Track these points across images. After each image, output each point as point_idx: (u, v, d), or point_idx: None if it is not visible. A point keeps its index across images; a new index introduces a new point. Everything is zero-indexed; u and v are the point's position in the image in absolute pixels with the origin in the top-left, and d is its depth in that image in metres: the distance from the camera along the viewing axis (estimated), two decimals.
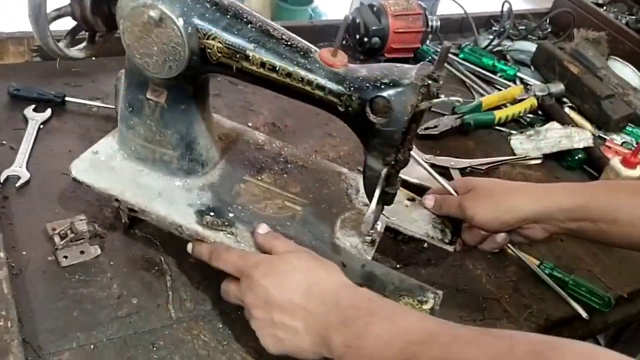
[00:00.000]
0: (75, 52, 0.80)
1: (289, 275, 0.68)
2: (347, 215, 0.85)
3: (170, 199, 0.80)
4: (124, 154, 0.84)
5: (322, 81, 0.70)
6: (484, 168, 1.08)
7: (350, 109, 0.70)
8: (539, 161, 1.15)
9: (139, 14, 0.69)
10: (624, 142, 1.25)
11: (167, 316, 0.77)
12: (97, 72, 1.12)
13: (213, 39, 0.70)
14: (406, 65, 0.70)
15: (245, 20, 0.71)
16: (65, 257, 0.80)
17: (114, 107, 1.02)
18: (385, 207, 0.80)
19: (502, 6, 1.51)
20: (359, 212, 0.86)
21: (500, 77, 1.37)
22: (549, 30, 1.58)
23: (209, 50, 0.71)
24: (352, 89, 0.69)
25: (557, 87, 1.29)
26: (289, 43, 0.71)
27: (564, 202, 0.77)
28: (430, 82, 0.66)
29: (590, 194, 0.77)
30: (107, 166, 0.82)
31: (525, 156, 1.14)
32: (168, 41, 0.70)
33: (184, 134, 0.81)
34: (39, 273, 0.78)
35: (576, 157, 1.16)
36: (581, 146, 1.15)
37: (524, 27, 1.54)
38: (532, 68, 1.42)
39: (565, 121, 1.21)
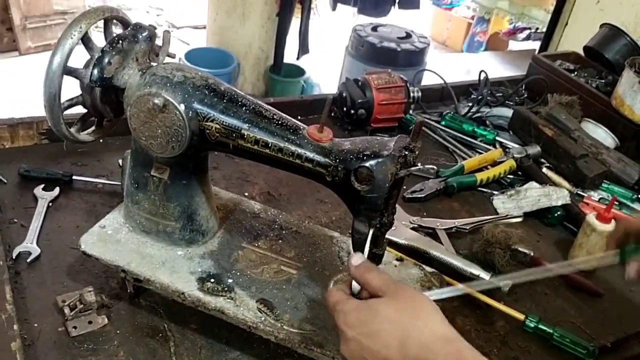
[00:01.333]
0: (85, 136, 0.87)
1: (379, 329, 0.63)
2: (340, 276, 0.90)
3: (173, 267, 0.86)
4: (130, 227, 0.90)
5: (310, 155, 0.77)
6: (468, 228, 1.14)
7: (337, 178, 0.77)
8: (520, 219, 1.22)
9: (145, 101, 0.77)
10: (600, 198, 1.32)
11: None
12: (102, 152, 1.19)
13: (212, 121, 0.78)
14: (385, 138, 0.78)
15: (240, 103, 0.79)
16: (75, 327, 0.84)
17: (118, 183, 1.09)
18: None
19: (479, 75, 1.62)
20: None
21: (480, 141, 1.45)
22: (525, 95, 1.69)
23: (207, 131, 0.79)
24: (337, 160, 0.76)
25: (534, 149, 1.38)
26: (279, 122, 0.79)
27: None
28: (407, 152, 0.73)
29: None
30: (114, 239, 0.88)
31: (507, 215, 1.20)
32: (171, 124, 0.78)
33: (186, 206, 0.87)
34: (50, 343, 0.82)
35: (555, 214, 1.22)
36: (559, 204, 1.22)
37: (501, 94, 1.64)
38: (510, 132, 1.50)
39: (543, 180, 1.29)
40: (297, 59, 3.53)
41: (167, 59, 0.87)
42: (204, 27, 4.26)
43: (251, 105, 0.79)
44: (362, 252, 0.78)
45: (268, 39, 3.38)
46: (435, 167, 0.74)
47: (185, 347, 0.86)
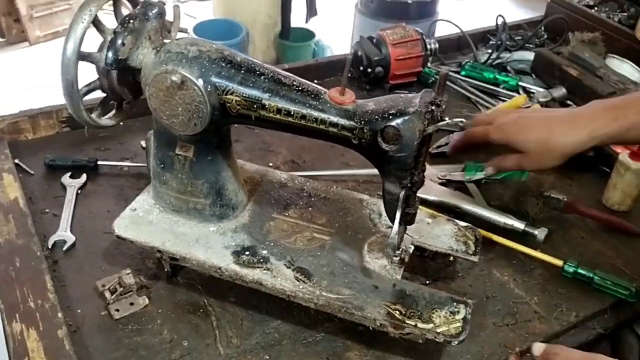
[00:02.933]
0: (106, 120, 0.87)
1: None
2: (373, 239, 0.90)
3: (207, 244, 0.86)
4: (160, 207, 0.90)
5: (335, 119, 0.76)
6: (499, 177, 1.12)
7: (363, 140, 0.76)
8: None
9: (162, 79, 0.76)
10: None
11: (217, 354, 0.82)
12: (123, 135, 1.19)
13: (231, 93, 0.77)
14: (410, 95, 0.76)
15: (258, 72, 0.77)
16: (117, 310, 0.85)
17: (144, 165, 1.09)
18: (408, 226, 0.85)
19: (497, 20, 1.57)
20: (383, 235, 0.90)
21: (503, 88, 1.42)
22: (545, 37, 1.63)
23: (228, 104, 0.77)
24: (362, 122, 0.75)
25: (559, 92, 1.34)
26: (300, 88, 0.77)
27: (612, 128, 0.90)
28: (433, 107, 0.72)
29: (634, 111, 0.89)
30: (146, 221, 0.89)
31: None
32: (191, 101, 0.77)
33: (213, 182, 0.87)
34: (95, 328, 0.84)
35: (586, 156, 1.20)
36: None
37: (520, 37, 1.60)
38: (533, 76, 1.47)
39: None
40: (306, 22, 3.47)
41: (180, 34, 0.86)
42: None
43: (270, 74, 0.78)
44: (395, 213, 0.78)
45: (274, 5, 3.33)
46: (463, 120, 0.73)
47: (227, 320, 0.87)
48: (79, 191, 1.06)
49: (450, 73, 1.47)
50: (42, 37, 3.77)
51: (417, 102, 0.73)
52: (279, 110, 0.77)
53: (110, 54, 0.77)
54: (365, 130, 0.75)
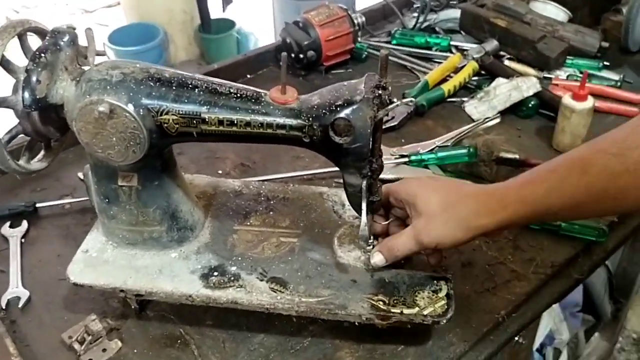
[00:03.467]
0: (38, 164, 0.80)
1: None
2: (341, 231, 0.87)
3: (171, 272, 0.82)
4: (113, 243, 0.85)
5: (281, 120, 0.72)
6: (450, 144, 1.12)
7: (315, 137, 0.72)
8: (498, 120, 1.19)
9: (89, 111, 0.71)
10: (568, 75, 1.30)
11: None
12: (57, 170, 1.12)
13: (167, 113, 0.72)
14: (353, 81, 0.73)
15: (191, 86, 0.73)
16: (91, 359, 0.80)
17: (86, 198, 1.02)
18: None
19: None
20: (351, 225, 0.88)
21: (436, 50, 1.41)
22: None
23: (165, 124, 0.73)
24: (310, 119, 0.72)
25: (492, 45, 1.34)
26: (238, 94, 0.73)
27: (521, 212, 0.71)
28: (380, 92, 0.69)
29: (544, 191, 0.69)
30: (101, 261, 0.83)
31: (485, 119, 1.18)
32: (124, 129, 0.72)
33: (165, 207, 0.82)
34: None
35: (530, 105, 1.20)
36: (531, 93, 1.20)
37: None
38: (463, 33, 1.46)
39: (508, 74, 1.26)
40: (223, 11, 3.39)
41: (98, 59, 0.80)
42: (118, 4, 4.05)
43: (204, 85, 0.73)
44: (360, 204, 0.75)
45: (188, 0, 3.22)
46: (413, 100, 0.70)
47: (208, 345, 0.83)
48: (22, 240, 0.99)
49: (381, 44, 1.45)
50: None
51: (362, 88, 0.70)
52: (220, 122, 0.73)
53: (27, 95, 0.71)
54: (315, 127, 0.72)
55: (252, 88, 0.75)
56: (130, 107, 0.71)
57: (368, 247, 0.82)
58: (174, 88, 0.72)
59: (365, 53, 1.40)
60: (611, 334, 1.67)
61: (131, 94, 0.71)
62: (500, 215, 0.71)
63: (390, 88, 0.70)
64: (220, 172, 1.12)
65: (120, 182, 0.78)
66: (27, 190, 1.09)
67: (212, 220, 0.90)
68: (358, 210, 0.77)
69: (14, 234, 0.99)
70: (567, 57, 1.33)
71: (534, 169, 0.74)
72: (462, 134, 1.13)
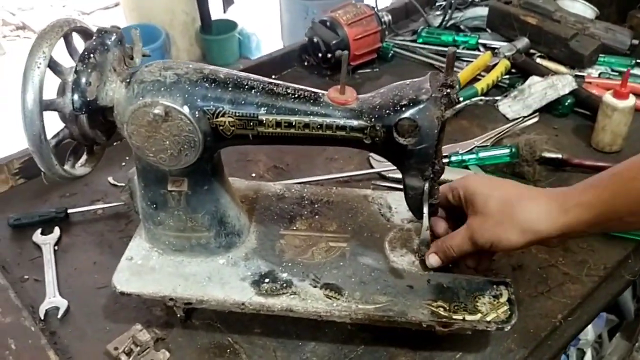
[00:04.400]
0: (82, 169, 0.77)
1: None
2: (391, 235, 0.85)
3: (221, 279, 0.79)
4: (159, 250, 0.82)
5: (341, 121, 0.70)
6: (489, 144, 1.09)
7: (377, 138, 0.70)
8: (535, 119, 1.17)
9: (142, 114, 0.68)
10: (600, 73, 1.28)
11: None
12: (86, 175, 1.08)
13: (223, 115, 0.69)
14: (416, 80, 0.70)
15: (247, 86, 0.70)
16: None
17: (119, 203, 1.00)
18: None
19: None
20: (401, 229, 0.86)
21: (463, 49, 1.38)
22: None
23: (221, 127, 0.70)
24: (372, 119, 0.69)
25: (523, 42, 1.32)
26: (296, 95, 0.71)
27: (584, 217, 0.67)
28: (448, 90, 0.66)
29: (608, 195, 0.66)
30: (147, 268, 0.80)
31: (524, 118, 1.16)
32: (179, 132, 0.69)
33: (214, 212, 0.79)
34: None
35: (566, 103, 1.18)
36: (567, 91, 1.18)
37: None
38: (489, 31, 1.44)
39: (542, 72, 1.24)
40: (224, 12, 3.35)
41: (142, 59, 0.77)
42: (115, 5, 4.00)
43: (260, 86, 0.71)
44: (420, 208, 0.73)
45: (189, 1, 3.19)
46: (483, 98, 0.67)
47: (258, 354, 0.80)
48: (56, 247, 0.95)
49: (407, 42, 1.43)
50: None
51: (428, 87, 0.68)
52: (278, 124, 0.70)
53: (76, 97, 0.68)
54: (378, 128, 0.69)
55: (309, 88, 0.72)
56: (185, 110, 0.68)
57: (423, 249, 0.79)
58: (229, 89, 0.70)
59: (392, 52, 1.37)
60: (632, 333, 1.66)
61: (186, 96, 0.68)
62: (560, 220, 0.68)
63: (456, 86, 0.67)
64: (253, 174, 1.10)
65: (170, 187, 0.75)
66: (56, 196, 1.05)
67: (257, 225, 0.87)
68: (417, 213, 0.75)
69: (47, 241, 0.96)
70: (600, 55, 1.31)
71: (596, 175, 0.70)
72: (500, 134, 1.11)
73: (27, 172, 1.07)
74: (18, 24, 4.02)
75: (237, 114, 0.69)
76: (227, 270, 0.80)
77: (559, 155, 1.03)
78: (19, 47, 3.58)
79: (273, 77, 1.37)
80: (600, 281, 0.89)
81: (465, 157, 1.05)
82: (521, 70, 1.28)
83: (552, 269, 0.90)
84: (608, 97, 1.07)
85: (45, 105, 0.67)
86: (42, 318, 0.84)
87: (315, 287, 0.78)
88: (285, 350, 0.80)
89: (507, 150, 1.02)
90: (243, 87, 0.70)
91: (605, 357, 1.71)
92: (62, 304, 0.86)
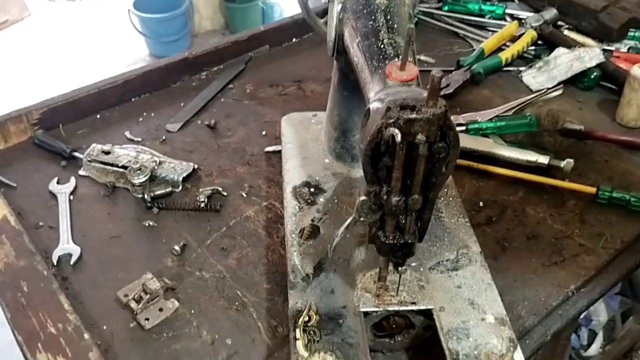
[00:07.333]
0: None
1: None
2: None
3: None
4: None
5: None
6: (510, 114, 1.07)
7: None
8: (560, 92, 1.14)
9: None
10: (629, 48, 1.25)
11: (265, 347, 0.76)
12: (103, 128, 1.09)
13: None
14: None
15: None
16: (147, 319, 0.78)
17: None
18: None
19: None
20: None
21: (489, 18, 1.35)
22: None
23: None
24: None
25: (551, 13, 1.29)
26: None
27: None
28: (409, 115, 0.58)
29: None
30: None
31: (548, 89, 1.13)
32: None
33: None
34: (127, 343, 0.76)
35: (592, 76, 1.15)
36: (593, 64, 1.15)
37: None
38: (517, 1, 1.41)
39: (569, 44, 1.20)
40: None
41: None
42: None
43: None
44: None
45: None
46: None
47: (266, 308, 0.80)
48: (71, 197, 0.96)
49: (432, 10, 1.40)
50: None
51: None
52: None
53: None
54: None
55: None
56: None
57: None
58: None
59: (416, 19, 1.35)
60: None
61: None
62: None
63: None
64: (264, 132, 1.09)
65: None
66: (73, 147, 1.05)
67: None
68: None
69: (63, 190, 0.96)
70: (630, 29, 1.27)
71: None
72: (523, 104, 1.09)
73: (47, 122, 1.08)
74: None
75: None
76: None
77: (581, 127, 1.01)
78: (44, 9, 3.59)
79: (294, 40, 1.36)
80: (616, 254, 0.87)
81: (484, 125, 1.03)
82: (547, 42, 1.25)
83: (568, 240, 0.89)
84: (636, 69, 1.04)
85: None
86: (55, 264, 0.85)
87: None
88: None
89: (525, 120, 1.00)
90: None
91: (616, 339, 1.69)
92: (75, 250, 0.87)
